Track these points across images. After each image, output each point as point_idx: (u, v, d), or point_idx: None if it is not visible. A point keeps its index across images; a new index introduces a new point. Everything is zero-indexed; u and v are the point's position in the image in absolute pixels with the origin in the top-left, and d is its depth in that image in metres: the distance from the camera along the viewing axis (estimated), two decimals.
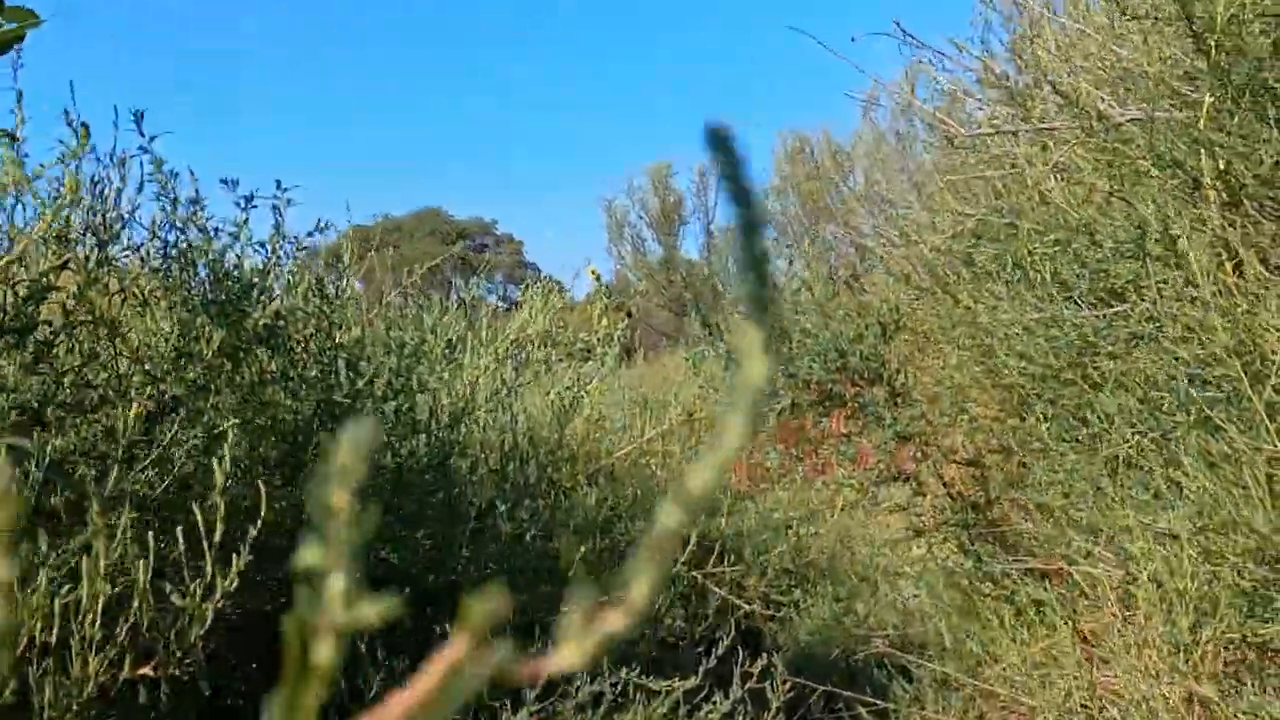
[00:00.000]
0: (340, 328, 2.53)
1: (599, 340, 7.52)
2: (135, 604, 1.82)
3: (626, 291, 17.08)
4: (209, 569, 2.02)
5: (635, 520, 5.23)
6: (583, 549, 4.23)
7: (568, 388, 3.28)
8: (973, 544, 3.79)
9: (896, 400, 3.52)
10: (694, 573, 3.54)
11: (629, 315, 8.67)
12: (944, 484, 3.73)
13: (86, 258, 2.02)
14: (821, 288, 3.38)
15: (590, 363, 7.00)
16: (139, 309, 2.16)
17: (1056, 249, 2.51)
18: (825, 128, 12.77)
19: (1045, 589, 3.57)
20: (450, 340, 2.57)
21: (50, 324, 2.06)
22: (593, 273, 8.53)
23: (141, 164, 2.13)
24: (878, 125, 12.49)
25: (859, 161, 11.97)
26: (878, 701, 3.22)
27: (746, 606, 4.30)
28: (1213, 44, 1.97)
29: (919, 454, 3.57)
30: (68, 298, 2.04)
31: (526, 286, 4.09)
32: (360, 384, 2.53)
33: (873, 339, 3.27)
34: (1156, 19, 2.21)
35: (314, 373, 2.40)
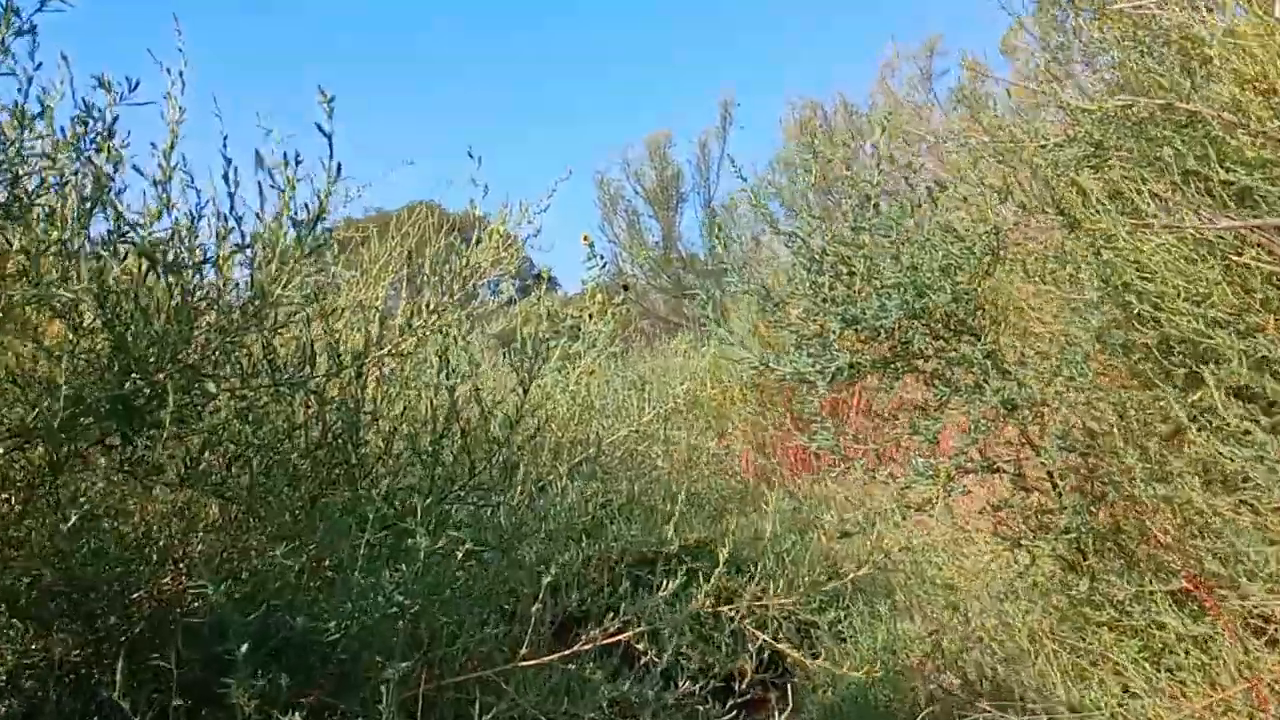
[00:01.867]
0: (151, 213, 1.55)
1: (592, 316, 6.59)
2: None
3: (622, 277, 16.05)
4: None
5: (630, 521, 4.24)
6: (557, 561, 3.27)
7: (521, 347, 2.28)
8: (1086, 558, 2.81)
9: (990, 359, 2.54)
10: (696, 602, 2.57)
11: (625, 289, 7.69)
12: (1050, 476, 2.75)
13: None
14: (893, 204, 2.41)
15: (580, 341, 6.08)
16: None
17: None
18: (839, 92, 11.77)
19: (1196, 620, 2.61)
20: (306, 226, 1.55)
21: None
22: (585, 239, 7.54)
23: None
24: (894, 91, 11.53)
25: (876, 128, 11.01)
26: None
27: (762, 637, 3.31)
28: None
29: (1024, 434, 2.59)
30: None
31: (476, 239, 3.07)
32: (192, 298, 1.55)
33: (971, 269, 2.29)
34: None
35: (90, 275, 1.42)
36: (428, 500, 1.72)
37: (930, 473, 2.46)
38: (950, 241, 2.40)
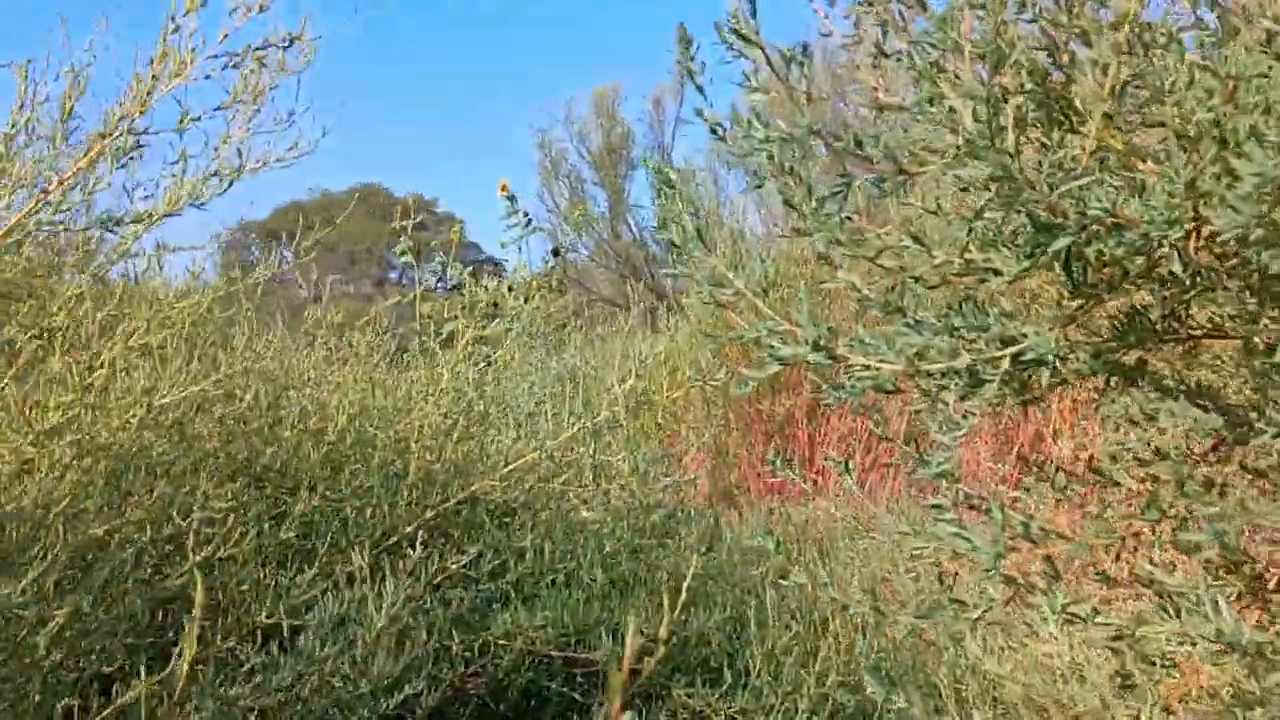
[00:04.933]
0: None
1: (511, 289, 5.03)
2: None
3: (567, 261, 14.28)
4: None
5: (540, 595, 2.71)
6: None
7: None
8: None
9: None
10: None
11: (556, 254, 6.15)
12: None
13: None
14: None
15: (497, 321, 4.54)
16: None
17: None
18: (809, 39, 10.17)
19: None
20: None
21: None
22: (503, 188, 5.98)
23: None
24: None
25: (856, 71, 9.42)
26: None
27: None
28: None
29: None
30: None
31: None
32: None
33: None
34: None
35: None
36: None
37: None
38: None
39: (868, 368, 1.00)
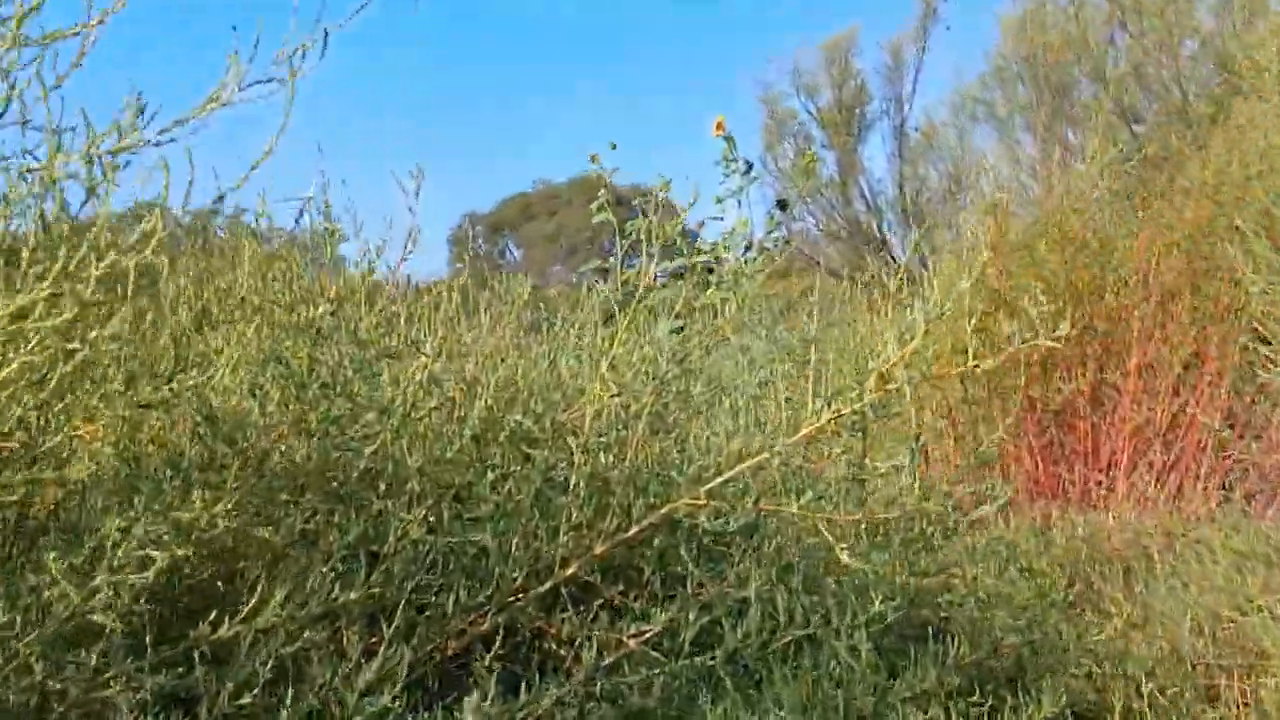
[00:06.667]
0: None
1: (727, 250, 4.24)
2: None
3: (797, 235, 13.08)
4: None
5: (770, 676, 1.79)
6: None
7: None
8: None
9: None
10: None
11: (783, 207, 5.23)
12: None
13: None
14: None
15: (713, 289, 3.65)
16: None
17: None
18: None
19: None
20: None
21: None
22: (719, 127, 5.11)
23: None
24: None
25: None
26: None
27: None
28: None
29: None
30: None
31: None
32: None
33: None
34: None
35: None
36: None
37: None
38: None
39: None
